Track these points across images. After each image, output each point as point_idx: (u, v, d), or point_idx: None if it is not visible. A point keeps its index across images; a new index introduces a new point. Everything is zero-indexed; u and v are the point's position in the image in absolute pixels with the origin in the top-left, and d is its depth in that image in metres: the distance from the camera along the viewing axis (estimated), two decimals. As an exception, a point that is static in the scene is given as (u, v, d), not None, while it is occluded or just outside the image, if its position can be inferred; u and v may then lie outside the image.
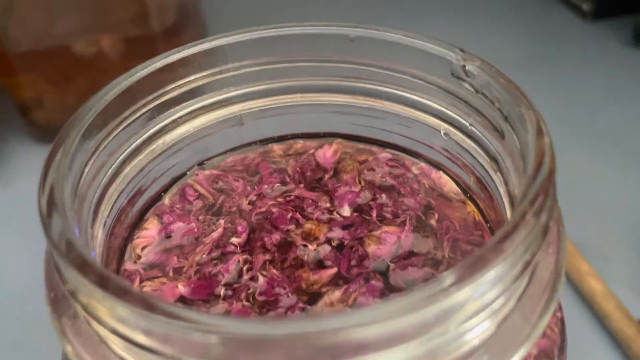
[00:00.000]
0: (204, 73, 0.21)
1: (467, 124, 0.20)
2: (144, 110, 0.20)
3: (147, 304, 0.13)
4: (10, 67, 0.42)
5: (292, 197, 0.21)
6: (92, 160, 0.18)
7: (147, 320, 0.13)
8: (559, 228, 0.16)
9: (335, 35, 0.21)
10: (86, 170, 0.17)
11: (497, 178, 0.18)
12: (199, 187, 0.22)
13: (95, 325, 0.14)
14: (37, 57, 0.42)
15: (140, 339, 0.13)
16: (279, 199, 0.21)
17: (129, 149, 0.20)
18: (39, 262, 0.37)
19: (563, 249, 0.15)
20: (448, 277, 0.13)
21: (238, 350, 0.13)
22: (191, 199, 0.21)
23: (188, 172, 0.22)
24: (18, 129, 0.46)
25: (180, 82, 0.21)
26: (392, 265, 0.19)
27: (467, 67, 0.19)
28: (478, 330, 0.14)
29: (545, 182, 0.14)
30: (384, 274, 0.19)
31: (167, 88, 0.21)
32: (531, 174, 0.14)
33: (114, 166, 0.19)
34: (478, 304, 0.13)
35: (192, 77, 0.21)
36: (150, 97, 0.20)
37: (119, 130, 0.19)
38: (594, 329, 0.31)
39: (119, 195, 0.19)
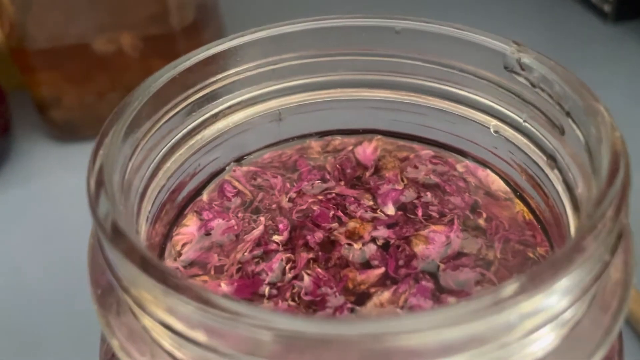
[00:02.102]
0: (243, 67, 0.21)
1: (521, 120, 0.19)
2: (185, 103, 0.19)
3: (199, 297, 0.12)
4: (29, 64, 0.42)
5: (333, 195, 0.21)
6: (135, 155, 0.17)
7: (200, 314, 0.12)
8: (627, 227, 0.15)
9: (380, 27, 0.20)
10: (130, 164, 0.17)
11: (554, 176, 0.18)
12: (237, 184, 0.21)
13: (142, 318, 0.14)
14: (55, 55, 0.42)
15: (191, 333, 0.13)
16: (320, 197, 0.21)
17: (170, 143, 0.19)
18: (57, 260, 0.36)
19: (631, 248, 0.15)
20: (515, 284, 0.12)
21: (298, 348, 0.12)
22: (230, 195, 0.21)
23: (226, 168, 0.22)
24: (36, 126, 0.46)
25: (220, 76, 0.20)
26: (442, 266, 0.18)
27: (522, 60, 0.18)
28: (544, 341, 0.13)
29: (625, 180, 0.13)
30: (433, 274, 0.18)
31: (207, 82, 0.20)
32: (608, 173, 0.14)
33: (155, 161, 0.18)
34: (547, 314, 0.12)
35: (231, 71, 0.20)
36: (191, 91, 0.20)
37: (160, 124, 0.18)
38: (625, 335, 0.30)
39: (160, 191, 0.19)
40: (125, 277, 0.13)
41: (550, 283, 0.12)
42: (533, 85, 0.18)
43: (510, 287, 0.12)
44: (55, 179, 0.43)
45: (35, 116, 0.45)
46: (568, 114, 0.16)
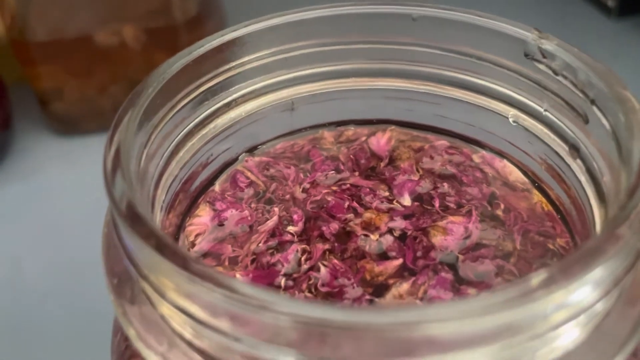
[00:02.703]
0: (257, 54, 0.20)
1: (541, 109, 0.19)
2: (198, 92, 0.19)
3: (223, 284, 0.12)
4: (30, 57, 0.41)
5: (348, 186, 0.20)
6: (150, 142, 0.17)
7: (224, 301, 0.12)
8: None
9: (396, 14, 0.20)
10: (145, 152, 0.16)
11: (576, 166, 0.17)
12: (249, 174, 0.21)
13: (160, 306, 0.13)
14: (57, 47, 0.41)
15: (213, 320, 0.12)
16: (334, 187, 0.20)
17: (183, 132, 0.19)
18: (58, 254, 0.36)
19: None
20: (546, 275, 0.12)
21: (322, 336, 0.12)
22: (243, 185, 0.20)
23: (238, 158, 0.21)
24: (37, 120, 0.45)
25: (233, 64, 0.20)
26: (461, 257, 0.18)
27: (544, 47, 0.18)
28: (574, 333, 0.13)
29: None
30: (452, 266, 0.18)
31: (221, 69, 0.20)
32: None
33: (169, 149, 0.18)
34: (579, 305, 0.12)
35: (245, 59, 0.20)
36: (205, 79, 0.19)
37: (174, 112, 0.18)
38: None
39: (173, 180, 0.18)
40: (143, 262, 0.13)
41: (582, 274, 0.12)
42: (555, 72, 0.17)
43: (541, 278, 0.12)
44: (57, 173, 0.42)
45: (37, 109, 0.44)
46: (593, 102, 0.16)
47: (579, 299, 0.12)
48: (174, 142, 0.18)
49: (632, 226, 0.12)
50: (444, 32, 0.20)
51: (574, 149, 0.17)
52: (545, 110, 0.19)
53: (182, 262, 0.12)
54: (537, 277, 0.12)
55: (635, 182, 0.13)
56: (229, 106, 0.20)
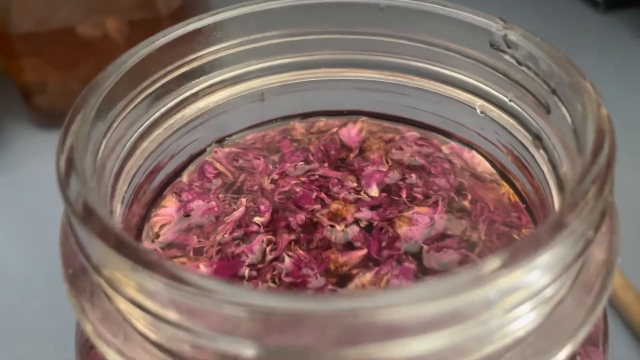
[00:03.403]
0: (225, 44, 0.20)
1: (507, 99, 0.19)
2: (163, 81, 0.19)
3: (172, 275, 0.12)
4: (12, 49, 0.41)
5: (317, 177, 0.20)
6: (109, 133, 0.17)
7: (177, 292, 0.12)
8: (612, 207, 0.15)
9: (363, 4, 0.20)
10: (104, 143, 0.16)
11: (539, 156, 0.17)
12: (218, 165, 0.21)
13: (115, 299, 0.13)
14: (40, 40, 0.41)
15: (167, 313, 0.12)
16: (303, 178, 0.20)
17: (147, 122, 0.19)
18: (41, 248, 0.36)
19: (616, 226, 0.14)
20: (496, 260, 0.12)
21: (271, 325, 0.12)
22: (210, 176, 0.20)
23: (207, 149, 0.21)
24: (20, 113, 0.45)
25: (200, 54, 0.20)
26: (425, 247, 0.18)
27: (508, 37, 0.18)
28: (526, 319, 0.13)
29: (609, 157, 0.13)
30: (417, 256, 0.18)
31: (186, 59, 0.20)
32: (592, 149, 0.13)
33: (131, 140, 0.18)
34: (528, 290, 0.12)
35: (212, 49, 0.20)
36: (170, 68, 0.19)
37: (137, 101, 0.18)
38: (613, 320, 0.30)
39: (136, 171, 0.18)
40: (96, 256, 0.13)
41: (530, 258, 0.12)
42: (519, 63, 0.17)
43: (490, 263, 0.12)
44: (40, 166, 0.42)
45: (20, 103, 0.44)
46: (554, 92, 0.16)
47: (528, 283, 0.12)
48: (137, 133, 0.18)
49: (580, 214, 0.12)
50: (411, 22, 0.20)
51: (537, 139, 0.17)
52: (511, 100, 0.18)
53: (131, 253, 0.12)
54: (486, 263, 0.12)
55: (585, 170, 0.13)
56: (196, 96, 0.20)
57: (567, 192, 0.14)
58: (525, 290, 0.12)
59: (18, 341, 0.31)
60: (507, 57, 0.18)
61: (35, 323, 0.31)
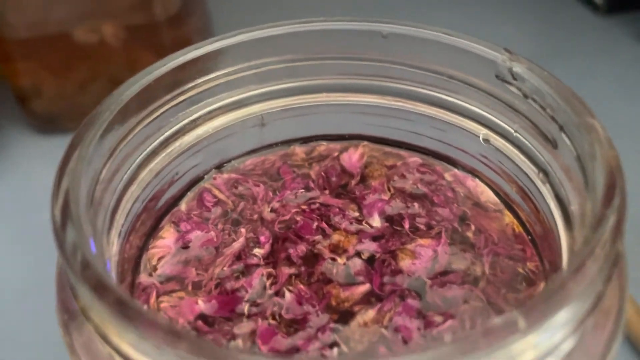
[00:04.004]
0: (224, 71, 0.20)
1: (512, 130, 0.18)
2: (161, 110, 0.18)
3: (171, 335, 0.12)
4: (7, 54, 0.41)
5: (317, 205, 0.20)
6: (108, 164, 0.16)
7: (171, 355, 0.12)
8: (622, 249, 0.14)
9: (366, 31, 0.20)
10: (102, 175, 0.16)
11: (545, 190, 0.17)
12: (217, 192, 0.20)
13: (110, 350, 0.13)
14: (35, 44, 0.41)
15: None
16: (303, 207, 0.20)
17: (146, 151, 0.18)
18: (37, 254, 0.36)
19: (625, 272, 0.14)
20: (513, 319, 0.11)
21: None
22: (209, 205, 0.20)
23: (206, 176, 0.21)
24: (16, 118, 0.44)
25: (199, 81, 0.19)
26: (429, 282, 0.18)
27: (514, 70, 0.17)
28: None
29: (621, 203, 0.13)
30: (420, 291, 0.17)
31: (185, 87, 0.19)
32: (604, 195, 0.13)
33: (130, 170, 0.17)
34: (544, 347, 0.12)
35: (211, 76, 0.20)
36: (168, 97, 0.19)
37: (135, 131, 0.18)
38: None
39: (135, 201, 0.18)
40: (89, 307, 0.13)
41: (546, 319, 0.12)
42: (525, 95, 0.17)
43: (503, 324, 0.12)
44: (36, 171, 0.42)
45: (15, 107, 0.44)
46: (562, 128, 0.16)
47: (542, 342, 0.12)
48: (136, 162, 0.18)
49: (595, 263, 0.12)
50: (413, 50, 0.19)
51: (544, 174, 0.17)
52: (516, 132, 0.18)
53: (118, 305, 0.12)
54: (498, 325, 0.12)
55: (596, 221, 0.12)
56: (195, 123, 0.20)
57: (579, 237, 0.14)
58: (539, 348, 0.12)
59: (14, 348, 0.30)
60: (513, 88, 0.17)
61: (32, 330, 0.31)
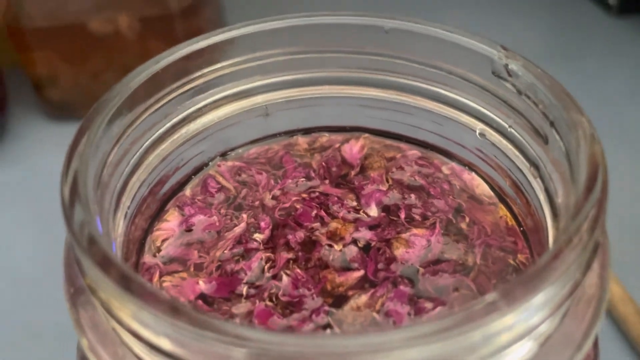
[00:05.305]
0: (230, 61, 0.21)
1: (507, 126, 0.19)
2: (169, 98, 0.19)
3: (171, 309, 0.12)
4: (25, 42, 0.42)
5: (317, 194, 0.21)
6: (115, 149, 0.17)
7: (170, 327, 0.12)
8: (604, 241, 0.15)
9: (368, 26, 0.20)
10: (109, 158, 0.17)
11: (536, 184, 0.17)
12: (221, 179, 0.21)
13: (113, 324, 0.14)
14: (52, 34, 0.42)
15: (162, 343, 0.13)
16: (304, 195, 0.21)
17: (153, 137, 0.19)
18: (51, 239, 0.36)
19: (607, 264, 0.15)
20: (492, 299, 0.12)
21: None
22: (213, 191, 0.21)
23: (210, 163, 0.22)
24: (32, 105, 0.45)
25: (205, 70, 0.20)
26: (421, 270, 0.18)
27: (509, 66, 0.18)
28: (520, 352, 0.13)
29: (601, 195, 0.13)
30: (412, 279, 0.18)
31: (193, 76, 0.20)
32: (585, 186, 0.13)
33: (137, 154, 0.18)
34: (524, 326, 0.12)
35: (217, 66, 0.20)
36: (175, 85, 0.19)
37: (143, 117, 0.18)
38: (612, 333, 0.30)
39: (140, 185, 0.19)
40: (95, 283, 0.13)
41: (523, 300, 0.12)
42: (519, 92, 0.18)
43: (481, 305, 0.12)
44: (51, 158, 0.42)
45: (32, 95, 0.45)
46: (552, 124, 0.16)
47: (519, 323, 0.13)
48: (143, 147, 0.18)
49: (573, 252, 0.12)
50: (414, 45, 0.20)
51: (535, 168, 0.18)
52: (510, 127, 0.19)
53: (123, 280, 0.13)
54: (478, 305, 0.12)
55: (577, 207, 0.13)
56: (201, 111, 0.20)
57: (560, 227, 0.14)
58: (516, 330, 0.13)
59: (25, 334, 0.31)
60: (508, 85, 0.18)
61: (45, 315, 0.32)
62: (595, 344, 0.18)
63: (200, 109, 0.20)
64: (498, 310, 0.12)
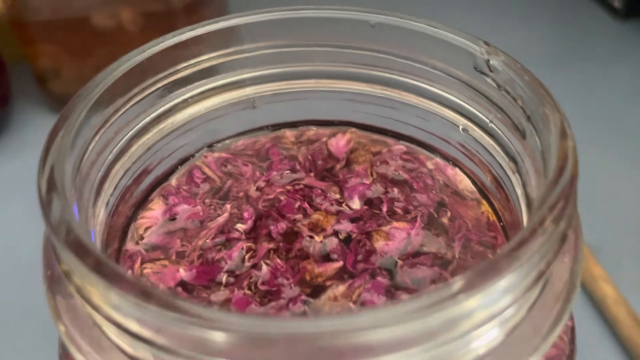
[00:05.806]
0: (218, 53, 0.21)
1: (487, 121, 0.19)
2: (155, 87, 0.19)
3: (142, 293, 0.13)
4: (29, 36, 0.42)
5: (301, 186, 0.21)
6: (97, 137, 0.17)
7: (141, 310, 0.13)
8: (577, 236, 0.15)
9: (355, 20, 0.20)
10: (90, 147, 0.17)
11: (515, 179, 0.18)
12: (207, 170, 0.21)
13: (89, 308, 0.14)
14: (56, 27, 0.42)
15: (134, 327, 0.13)
16: (288, 187, 0.21)
17: (137, 126, 0.19)
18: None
19: (579, 258, 0.15)
20: (458, 283, 0.12)
21: (236, 346, 0.12)
22: (198, 181, 0.21)
23: (197, 154, 0.22)
24: (35, 98, 0.46)
25: (193, 61, 0.20)
26: (399, 263, 0.18)
27: (491, 62, 0.18)
28: (486, 338, 0.13)
29: (566, 188, 0.13)
30: (390, 271, 0.18)
31: (180, 66, 0.20)
32: (552, 179, 0.14)
33: (120, 144, 0.18)
34: (487, 312, 0.13)
35: (205, 57, 0.20)
36: (162, 75, 0.20)
37: (127, 107, 0.18)
38: (604, 334, 0.30)
39: (124, 174, 0.19)
40: (68, 265, 0.14)
41: (485, 285, 0.12)
42: (499, 87, 0.18)
43: (450, 287, 0.12)
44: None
45: (35, 88, 0.45)
46: (529, 119, 0.16)
47: (486, 306, 0.13)
48: (126, 137, 0.19)
49: (530, 247, 0.12)
50: (399, 40, 0.20)
51: (514, 162, 0.18)
52: (491, 122, 0.19)
53: (98, 266, 0.13)
54: (447, 287, 0.13)
55: (540, 202, 0.13)
56: (187, 102, 0.21)
57: (529, 218, 0.14)
58: (484, 312, 0.13)
59: (27, 327, 0.31)
60: (489, 80, 0.18)
61: (42, 308, 0.32)
62: (572, 340, 0.18)
63: (186, 99, 0.21)
64: (461, 293, 0.12)
